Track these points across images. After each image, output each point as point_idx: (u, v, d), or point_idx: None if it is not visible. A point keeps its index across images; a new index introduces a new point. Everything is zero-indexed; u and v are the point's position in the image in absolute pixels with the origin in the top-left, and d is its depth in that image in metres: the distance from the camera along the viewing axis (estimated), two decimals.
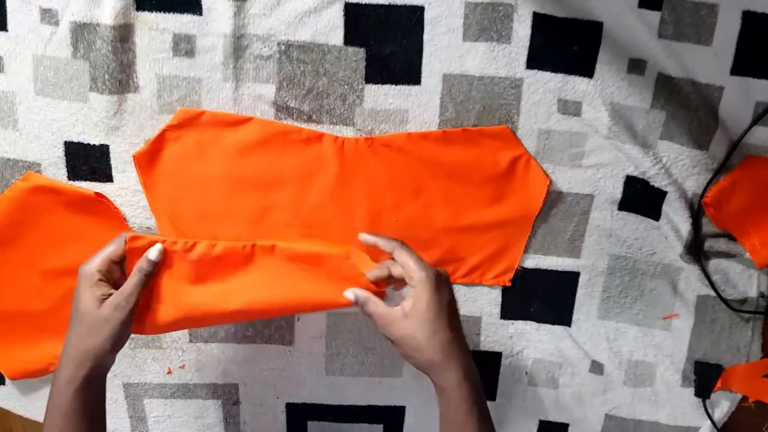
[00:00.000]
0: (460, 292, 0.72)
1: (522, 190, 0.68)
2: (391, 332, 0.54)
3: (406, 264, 0.55)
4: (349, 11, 0.63)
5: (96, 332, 0.53)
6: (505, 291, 0.72)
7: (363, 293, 0.56)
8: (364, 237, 0.61)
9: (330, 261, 0.58)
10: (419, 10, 0.63)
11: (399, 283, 0.57)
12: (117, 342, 0.54)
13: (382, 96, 0.65)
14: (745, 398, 0.74)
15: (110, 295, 0.54)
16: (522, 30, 0.63)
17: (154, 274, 0.57)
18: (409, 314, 0.53)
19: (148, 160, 0.67)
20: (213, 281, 0.59)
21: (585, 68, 0.64)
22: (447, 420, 0.53)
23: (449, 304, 0.55)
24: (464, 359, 0.53)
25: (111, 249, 0.56)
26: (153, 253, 0.56)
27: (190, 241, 0.57)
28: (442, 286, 0.54)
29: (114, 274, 0.56)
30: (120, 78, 0.64)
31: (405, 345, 0.53)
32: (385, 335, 0.55)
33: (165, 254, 0.57)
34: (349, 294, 0.56)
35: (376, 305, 0.55)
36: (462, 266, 0.71)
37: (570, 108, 0.65)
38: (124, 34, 0.63)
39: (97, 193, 0.68)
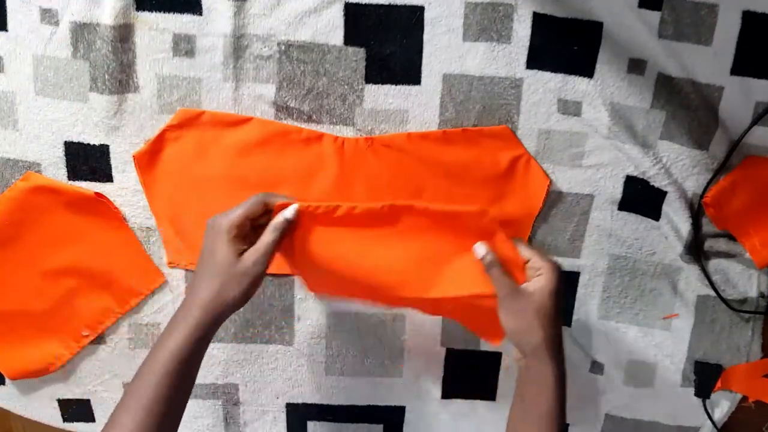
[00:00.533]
0: None
1: (522, 190, 0.68)
2: (510, 305, 0.56)
3: (531, 254, 0.57)
4: (349, 11, 0.63)
5: (232, 285, 0.54)
6: None
7: (493, 255, 0.56)
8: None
9: (468, 217, 0.58)
10: (419, 10, 0.63)
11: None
12: (249, 295, 0.55)
13: (382, 96, 0.65)
14: (745, 398, 0.74)
15: (244, 250, 0.55)
16: (522, 30, 0.63)
17: (288, 233, 0.57)
18: (535, 295, 0.55)
19: (148, 160, 0.67)
20: (351, 239, 0.59)
21: (585, 68, 0.64)
22: (534, 406, 0.56)
23: (563, 298, 0.58)
24: (563, 355, 0.56)
25: (249, 206, 0.56)
26: (289, 213, 0.56)
27: (332, 203, 0.57)
28: (563, 282, 0.57)
29: (246, 229, 0.56)
30: (120, 78, 0.64)
31: (520, 321, 0.55)
32: (501, 304, 0.56)
33: (306, 215, 0.57)
34: (480, 248, 0.57)
35: (502, 272, 0.56)
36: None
37: (570, 108, 0.65)
38: (124, 34, 0.63)
39: (97, 193, 0.68)
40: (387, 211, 0.58)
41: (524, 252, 0.58)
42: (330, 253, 0.59)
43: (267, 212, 0.57)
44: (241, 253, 0.54)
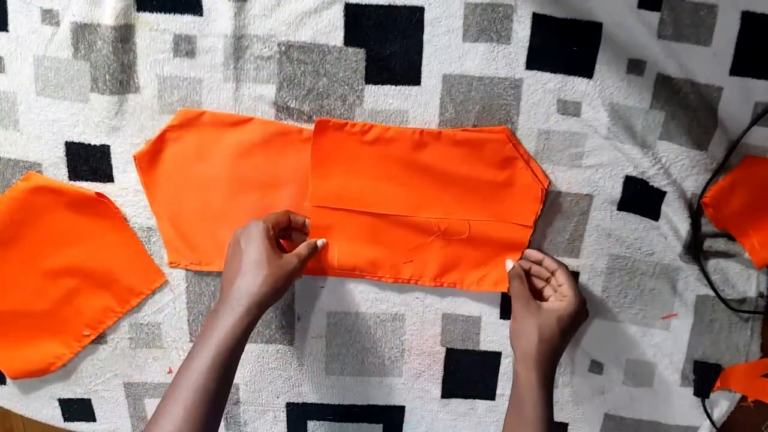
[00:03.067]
0: (460, 291, 0.72)
1: (521, 191, 0.68)
2: (522, 315, 0.62)
3: (566, 281, 0.63)
4: (350, 12, 0.63)
5: (275, 277, 0.59)
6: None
7: (520, 270, 0.66)
8: (531, 252, 0.69)
9: (491, 144, 0.65)
10: (419, 11, 0.63)
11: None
12: (285, 291, 0.61)
13: (382, 96, 0.66)
14: (744, 398, 0.74)
15: (277, 250, 0.61)
16: (521, 30, 0.63)
17: (317, 254, 0.67)
18: (547, 314, 0.61)
19: (148, 160, 0.67)
20: (382, 164, 0.66)
21: (584, 69, 0.64)
22: (519, 413, 0.59)
23: (572, 332, 0.63)
24: (551, 379, 0.61)
25: (278, 215, 0.65)
26: (320, 242, 0.67)
27: (367, 124, 0.65)
28: (581, 317, 0.64)
29: (275, 234, 0.62)
30: (121, 78, 0.65)
31: (523, 326, 0.61)
32: (514, 312, 0.63)
33: (344, 137, 0.65)
34: (509, 263, 0.67)
35: (523, 286, 0.64)
36: (461, 270, 0.71)
37: (569, 108, 0.66)
38: (124, 35, 0.63)
39: (97, 193, 0.68)
40: (418, 138, 0.65)
41: (560, 277, 0.64)
42: (361, 172, 0.66)
43: (288, 227, 0.66)
44: (279, 253, 0.60)
